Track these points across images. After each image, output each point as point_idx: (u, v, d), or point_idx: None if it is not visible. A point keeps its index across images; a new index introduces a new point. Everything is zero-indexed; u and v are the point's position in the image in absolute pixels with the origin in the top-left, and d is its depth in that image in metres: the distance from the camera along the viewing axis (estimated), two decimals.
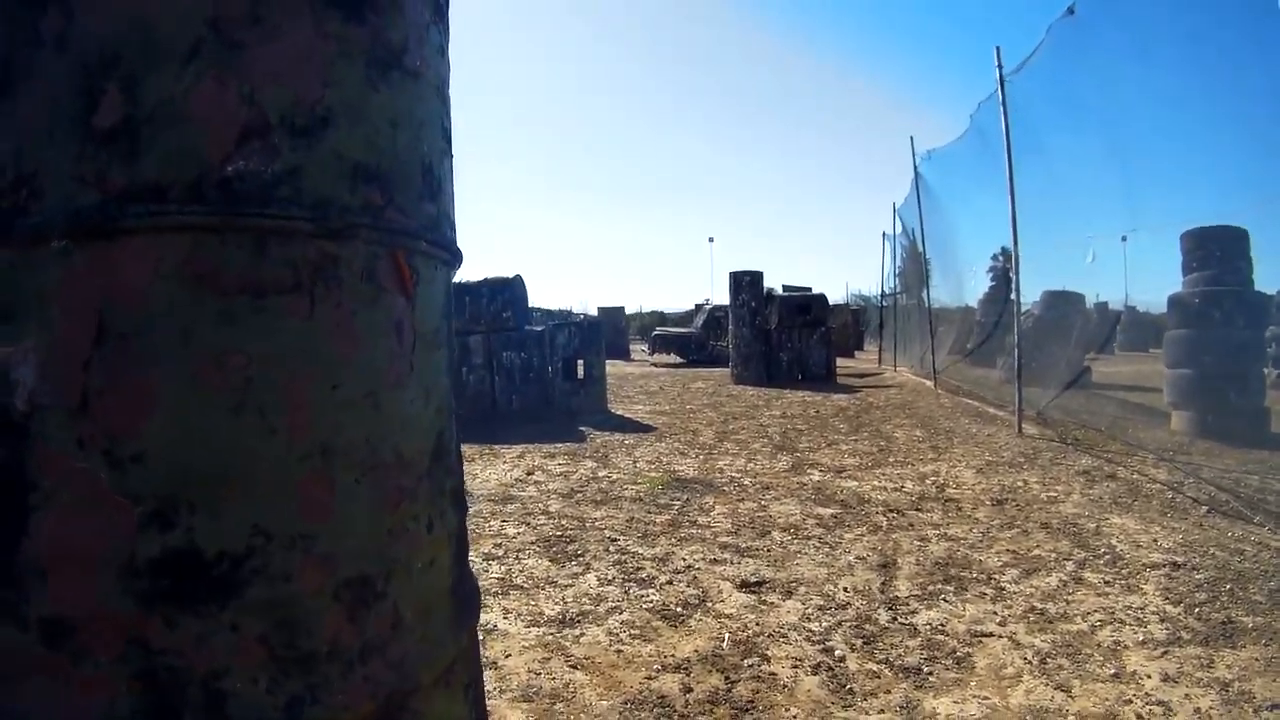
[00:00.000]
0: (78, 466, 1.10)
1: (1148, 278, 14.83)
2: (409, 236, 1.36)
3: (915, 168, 20.51)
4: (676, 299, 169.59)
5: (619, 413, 14.28)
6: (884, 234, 31.28)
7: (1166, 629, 4.37)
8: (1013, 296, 12.63)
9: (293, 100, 1.21)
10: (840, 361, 25.32)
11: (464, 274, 13.22)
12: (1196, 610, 4.63)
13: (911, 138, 21.07)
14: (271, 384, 1.18)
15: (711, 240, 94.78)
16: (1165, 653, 4.08)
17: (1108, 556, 5.71)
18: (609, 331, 24.54)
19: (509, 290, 13.48)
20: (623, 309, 41.88)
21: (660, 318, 49.46)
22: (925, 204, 20.49)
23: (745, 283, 21.29)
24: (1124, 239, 11.96)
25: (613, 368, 21.23)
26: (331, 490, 1.23)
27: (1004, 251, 18.09)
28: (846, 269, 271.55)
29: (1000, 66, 11.89)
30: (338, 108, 1.25)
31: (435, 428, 1.43)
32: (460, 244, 1.57)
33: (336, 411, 1.24)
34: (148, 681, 1.11)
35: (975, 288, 21.53)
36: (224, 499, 1.14)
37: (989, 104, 13.11)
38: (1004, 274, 19.14)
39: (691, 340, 31.17)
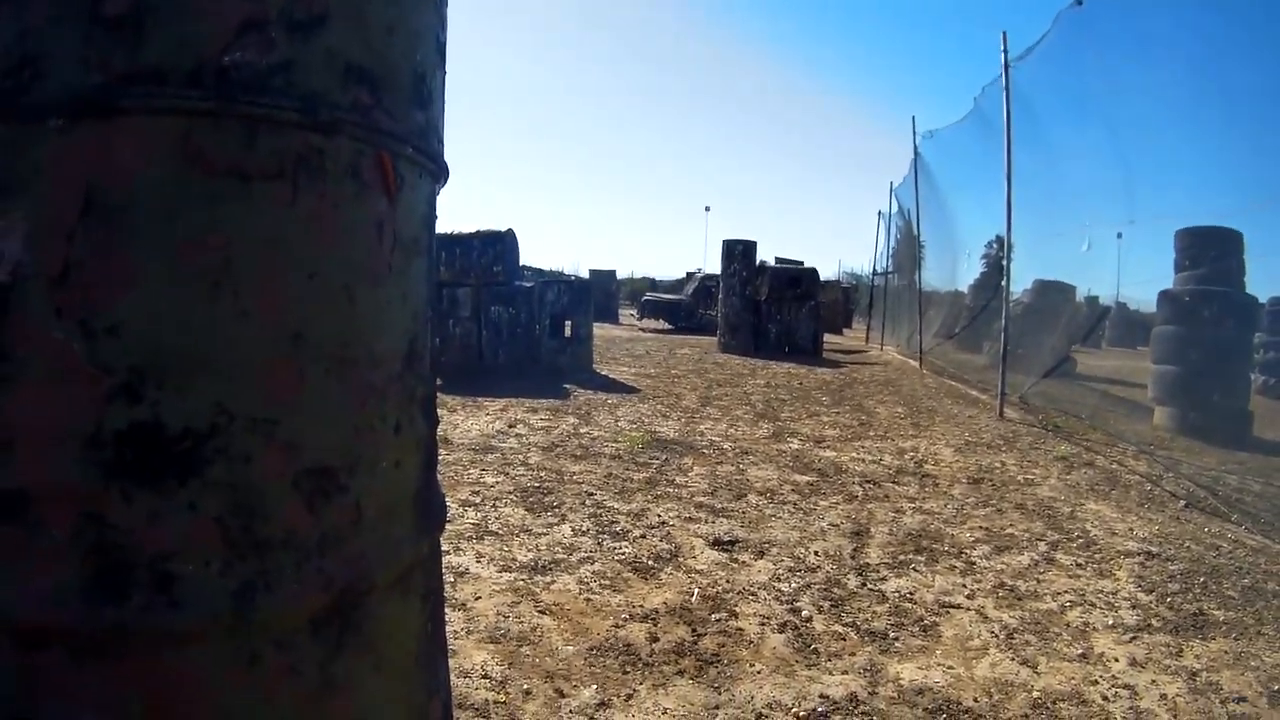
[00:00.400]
0: (53, 336, 1.11)
1: (1140, 274, 14.85)
2: (395, 139, 1.37)
3: (915, 148, 20.45)
4: (669, 266, 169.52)
5: (604, 373, 14.26)
6: (879, 213, 31.31)
7: (1137, 615, 4.39)
8: (1003, 283, 12.64)
9: None
10: (828, 338, 25.35)
11: (457, 226, 13.17)
12: (1169, 600, 4.64)
13: (913, 117, 20.95)
14: (249, 267, 1.18)
15: (708, 209, 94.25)
16: (1134, 638, 4.09)
17: (1081, 540, 5.74)
18: (599, 294, 24.50)
19: (500, 243, 13.38)
20: (614, 273, 41.83)
21: (652, 284, 49.30)
22: (923, 185, 20.47)
23: (738, 252, 21.19)
24: (1119, 235, 11.98)
25: (601, 330, 21.22)
26: (299, 378, 1.23)
27: (999, 239, 18.16)
28: (841, 246, 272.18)
29: (1006, 51, 11.83)
30: (336, 8, 1.27)
31: (410, 332, 1.43)
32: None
33: (310, 301, 1.24)
34: (100, 557, 1.12)
35: (968, 272, 21.58)
36: (192, 376, 1.15)
37: (993, 88, 13.05)
38: (997, 261, 19.20)
39: (681, 307, 31.13)
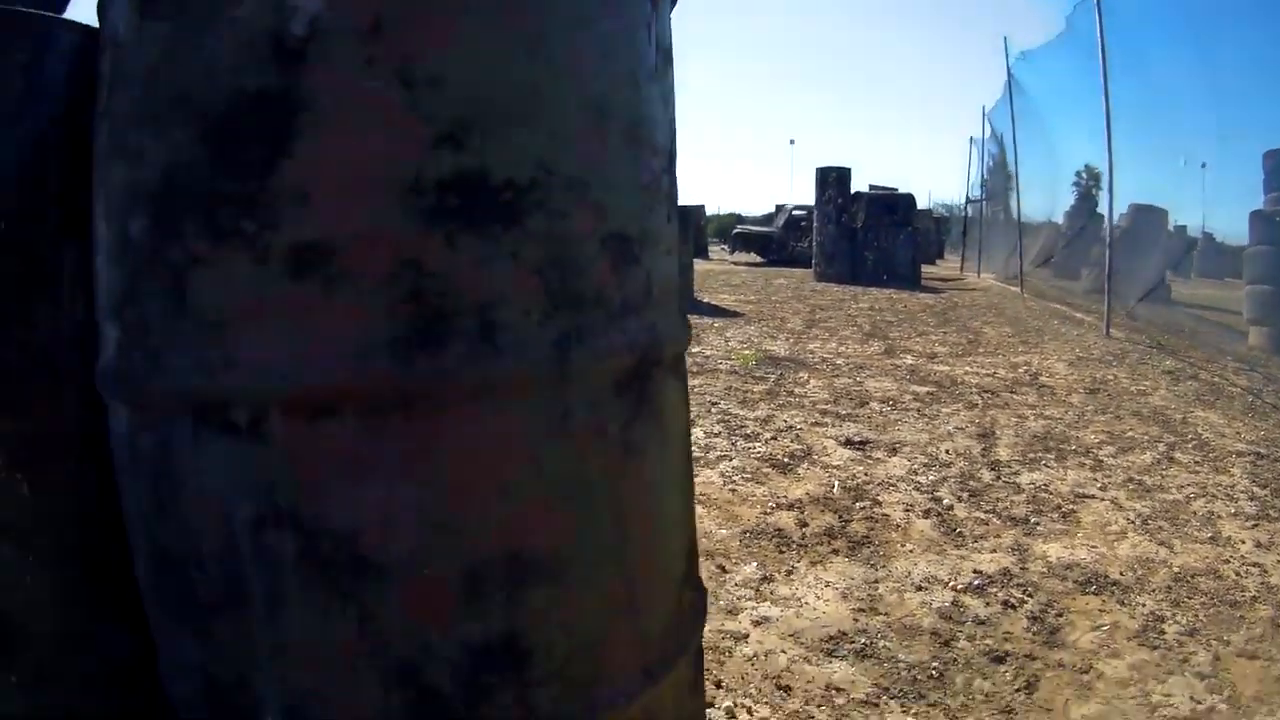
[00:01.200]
0: (365, 85, 1.10)
1: (1227, 204, 14.53)
2: None
3: (1009, 70, 20.09)
4: (754, 201, 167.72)
5: (706, 300, 14.34)
6: (971, 139, 30.80)
7: (1256, 505, 4.52)
8: (1100, 208, 12.51)
9: None
10: (923, 268, 25.10)
11: None
12: None
13: (1005, 37, 20.40)
14: (559, 38, 1.24)
15: (793, 143, 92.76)
16: (1256, 525, 4.23)
17: (1195, 443, 5.83)
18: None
19: None
20: (702, 207, 41.42)
21: (738, 219, 48.92)
22: (1018, 108, 20.10)
23: (832, 178, 21.01)
24: (1204, 166, 11.83)
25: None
26: (604, 145, 1.30)
27: (1087, 169, 17.90)
28: (929, 178, 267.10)
29: None
30: None
31: (667, 150, 1.49)
32: None
33: (608, 76, 1.31)
34: (415, 305, 1.12)
35: (1066, 197, 21.19)
36: (514, 130, 1.18)
37: (1085, 4, 12.79)
38: (1087, 190, 18.93)
39: (772, 240, 30.95)
